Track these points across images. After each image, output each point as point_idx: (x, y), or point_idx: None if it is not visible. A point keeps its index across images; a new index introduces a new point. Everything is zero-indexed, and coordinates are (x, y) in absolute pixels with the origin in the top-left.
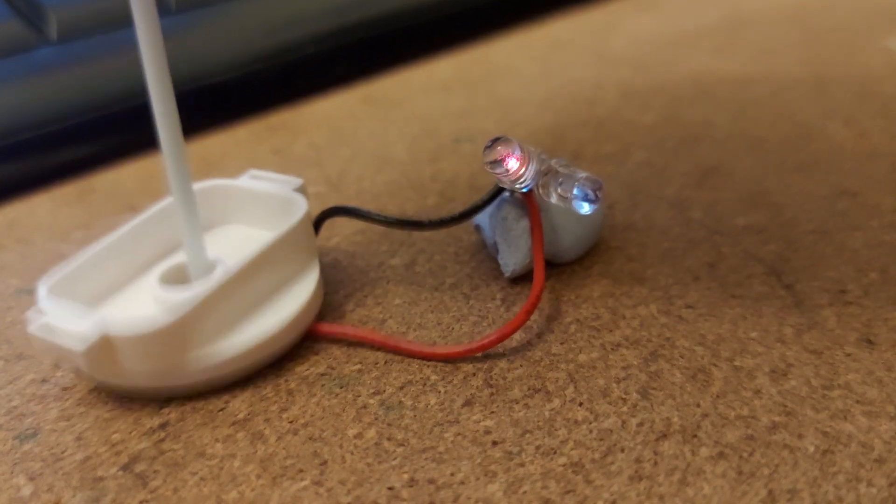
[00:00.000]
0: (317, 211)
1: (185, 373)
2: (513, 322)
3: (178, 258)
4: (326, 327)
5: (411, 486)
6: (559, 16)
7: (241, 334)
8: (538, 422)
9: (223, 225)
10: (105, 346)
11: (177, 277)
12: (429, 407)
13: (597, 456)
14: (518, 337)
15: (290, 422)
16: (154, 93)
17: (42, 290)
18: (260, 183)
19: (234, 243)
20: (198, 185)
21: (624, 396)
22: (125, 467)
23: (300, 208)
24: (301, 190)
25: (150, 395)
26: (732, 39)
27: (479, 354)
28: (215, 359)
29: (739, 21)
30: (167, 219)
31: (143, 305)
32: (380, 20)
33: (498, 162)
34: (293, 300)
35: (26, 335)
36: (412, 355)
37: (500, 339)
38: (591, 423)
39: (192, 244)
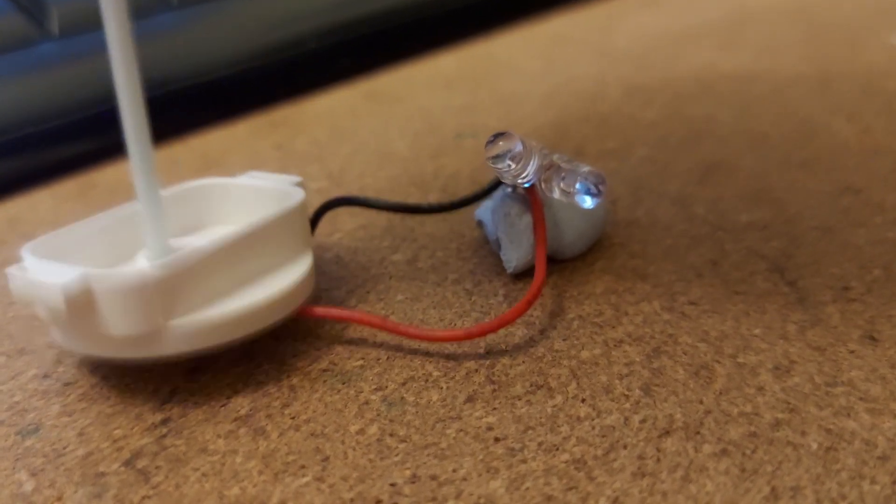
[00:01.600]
0: (317, 206)
1: (168, 338)
2: (514, 309)
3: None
4: (321, 310)
5: (413, 483)
6: (562, 11)
7: (228, 304)
8: (540, 418)
9: (220, 224)
10: (87, 299)
11: None
12: (431, 403)
13: (599, 453)
14: (520, 333)
15: (292, 418)
16: (122, 93)
17: (26, 251)
18: (256, 180)
19: None
20: (193, 184)
21: (626, 393)
22: (127, 463)
23: (296, 196)
24: (300, 186)
25: (131, 364)
26: (736, 35)
27: (482, 350)
28: (199, 326)
29: (743, 17)
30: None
31: None
32: (382, 16)
33: (500, 157)
34: (283, 279)
35: (28, 330)
36: (410, 337)
37: (501, 325)
38: (593, 420)
39: (154, 237)
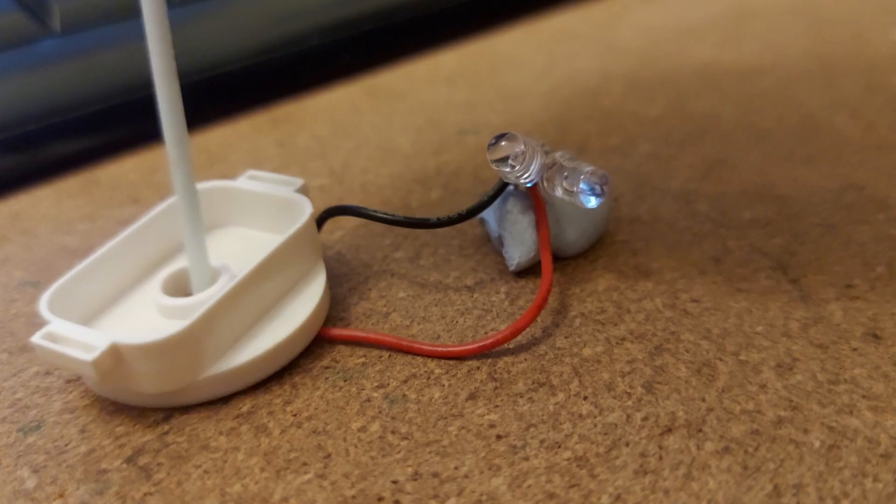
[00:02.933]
0: (320, 202)
1: (194, 386)
2: (524, 318)
3: (176, 265)
4: (336, 332)
5: (415, 480)
6: (564, 7)
7: (251, 346)
8: (542, 416)
9: (223, 227)
10: (114, 358)
11: (178, 285)
12: (433, 400)
13: (601, 450)
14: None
15: (294, 415)
16: (160, 87)
17: (44, 307)
18: (261, 185)
19: (236, 246)
20: (198, 187)
21: (629, 390)
22: (129, 460)
23: (304, 211)
24: (302, 190)
25: (159, 407)
26: (739, 31)
27: None
28: (224, 371)
29: (746, 12)
30: (163, 225)
31: (146, 314)
32: (384, 12)
33: (503, 158)
34: (301, 307)
35: (30, 327)
36: (423, 354)
37: (513, 336)
38: (595, 417)
39: (194, 249)
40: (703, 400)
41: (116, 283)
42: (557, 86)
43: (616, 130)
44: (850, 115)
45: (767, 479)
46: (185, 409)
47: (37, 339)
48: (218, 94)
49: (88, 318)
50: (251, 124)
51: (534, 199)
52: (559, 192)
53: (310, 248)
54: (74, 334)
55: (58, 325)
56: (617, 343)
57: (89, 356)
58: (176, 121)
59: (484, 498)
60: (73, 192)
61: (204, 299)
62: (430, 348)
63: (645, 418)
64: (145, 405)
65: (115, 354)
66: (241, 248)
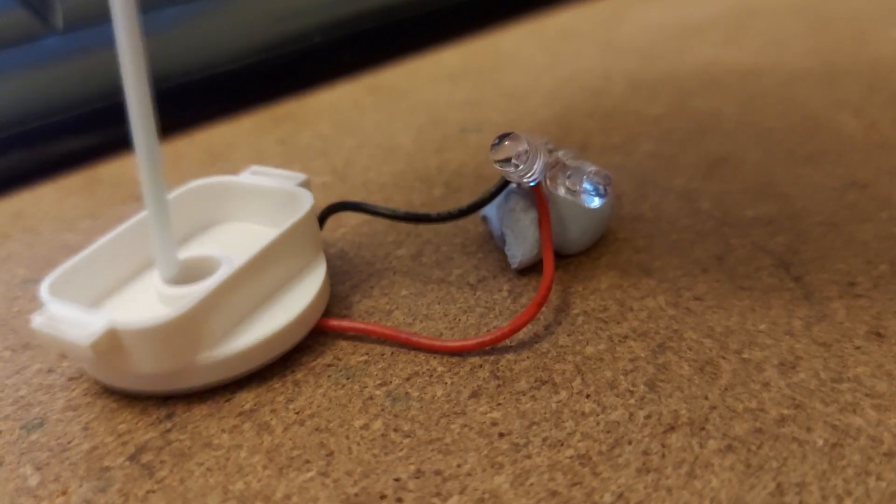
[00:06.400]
0: (323, 200)
1: (192, 371)
2: (524, 314)
3: (179, 255)
4: (335, 322)
5: (418, 478)
6: (567, 5)
7: (249, 331)
8: (545, 414)
9: (226, 222)
10: (112, 340)
11: (180, 275)
12: (435, 398)
13: (604, 448)
14: (525, 328)
15: (297, 413)
16: (129, 91)
17: (44, 291)
18: (263, 179)
19: (238, 240)
20: (200, 182)
21: (631, 388)
22: (132, 457)
23: (305, 203)
24: (305, 185)
25: (156, 395)
26: (741, 29)
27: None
28: (222, 356)
29: (748, 11)
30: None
31: (147, 303)
32: (386, 9)
33: (506, 159)
34: (301, 296)
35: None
36: (421, 348)
37: (512, 332)
38: (598, 416)
39: (161, 246)
40: (706, 398)
41: (118, 271)
42: (559, 84)
43: (618, 129)
44: (852, 113)
45: (770, 477)
46: (188, 406)
47: (36, 321)
48: (220, 93)
49: (89, 305)
50: (253, 122)
51: (537, 197)
52: (562, 192)
53: (310, 239)
54: (73, 317)
55: (56, 308)
56: (619, 341)
57: (87, 338)
58: (146, 112)
59: (486, 496)
60: (75, 190)
61: (204, 287)
62: (428, 342)
63: (648, 416)
64: (143, 389)
65: (113, 337)
66: (243, 241)
